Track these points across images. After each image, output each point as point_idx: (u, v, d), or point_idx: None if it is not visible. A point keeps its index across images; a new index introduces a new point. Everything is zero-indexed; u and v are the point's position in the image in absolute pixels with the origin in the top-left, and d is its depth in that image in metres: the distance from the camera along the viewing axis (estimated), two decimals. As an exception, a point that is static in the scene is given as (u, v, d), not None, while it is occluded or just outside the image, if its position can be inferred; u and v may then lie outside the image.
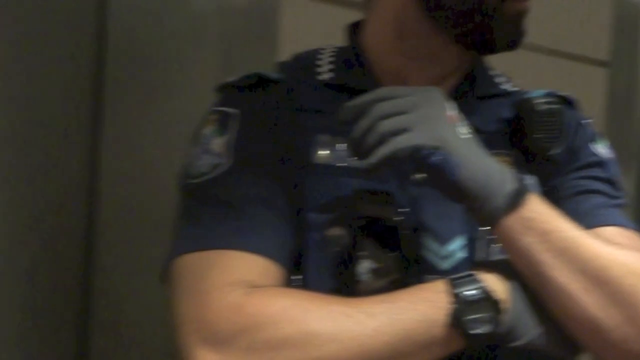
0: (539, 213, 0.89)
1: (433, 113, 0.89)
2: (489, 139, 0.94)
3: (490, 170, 0.89)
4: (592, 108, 1.09)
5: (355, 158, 0.91)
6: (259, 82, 1.02)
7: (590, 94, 1.12)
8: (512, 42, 0.99)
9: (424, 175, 0.89)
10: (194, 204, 0.96)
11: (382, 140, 0.87)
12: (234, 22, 1.47)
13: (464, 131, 0.91)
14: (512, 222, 0.89)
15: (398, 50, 1.02)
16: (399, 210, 0.95)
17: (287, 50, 1.21)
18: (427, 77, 1.01)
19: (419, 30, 1.00)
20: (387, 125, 0.88)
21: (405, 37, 1.01)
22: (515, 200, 0.89)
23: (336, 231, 0.95)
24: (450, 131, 0.89)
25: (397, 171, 0.95)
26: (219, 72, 1.43)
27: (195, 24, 1.45)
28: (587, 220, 0.94)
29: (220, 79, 1.07)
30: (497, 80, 1.08)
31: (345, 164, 0.97)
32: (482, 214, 0.90)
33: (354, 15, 1.10)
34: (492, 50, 1.00)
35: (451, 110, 0.91)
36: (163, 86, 1.48)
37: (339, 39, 1.09)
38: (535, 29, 1.02)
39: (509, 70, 1.12)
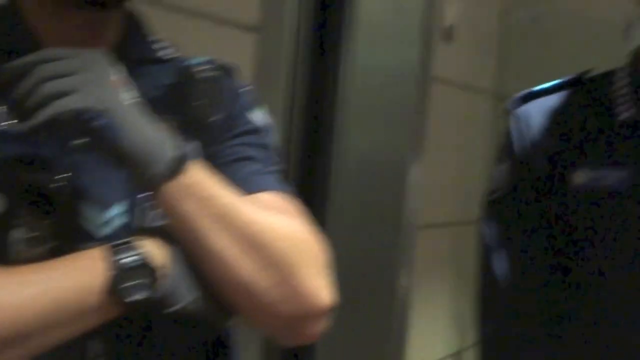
0: (199, 180, 0.90)
1: (97, 76, 0.87)
2: (152, 105, 0.93)
3: (152, 137, 0.89)
4: (241, 75, 1.11)
5: (14, 122, 0.85)
6: None
7: (239, 60, 1.14)
8: None
9: (86, 140, 0.87)
10: None
11: (44, 103, 0.83)
12: None
13: (128, 96, 0.89)
14: (172, 188, 0.89)
15: (34, 8, 0.97)
16: (57, 176, 0.91)
17: None
18: (65, 37, 0.96)
19: None
20: (49, 87, 0.84)
21: None
22: (176, 167, 0.89)
23: None
24: (113, 95, 0.87)
25: (58, 136, 0.91)
26: None
27: None
28: (245, 187, 0.97)
29: None
30: (158, 45, 1.07)
31: (2, 129, 0.90)
32: (143, 180, 0.89)
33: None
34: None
35: (116, 74, 0.89)
36: None
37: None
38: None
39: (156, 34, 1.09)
